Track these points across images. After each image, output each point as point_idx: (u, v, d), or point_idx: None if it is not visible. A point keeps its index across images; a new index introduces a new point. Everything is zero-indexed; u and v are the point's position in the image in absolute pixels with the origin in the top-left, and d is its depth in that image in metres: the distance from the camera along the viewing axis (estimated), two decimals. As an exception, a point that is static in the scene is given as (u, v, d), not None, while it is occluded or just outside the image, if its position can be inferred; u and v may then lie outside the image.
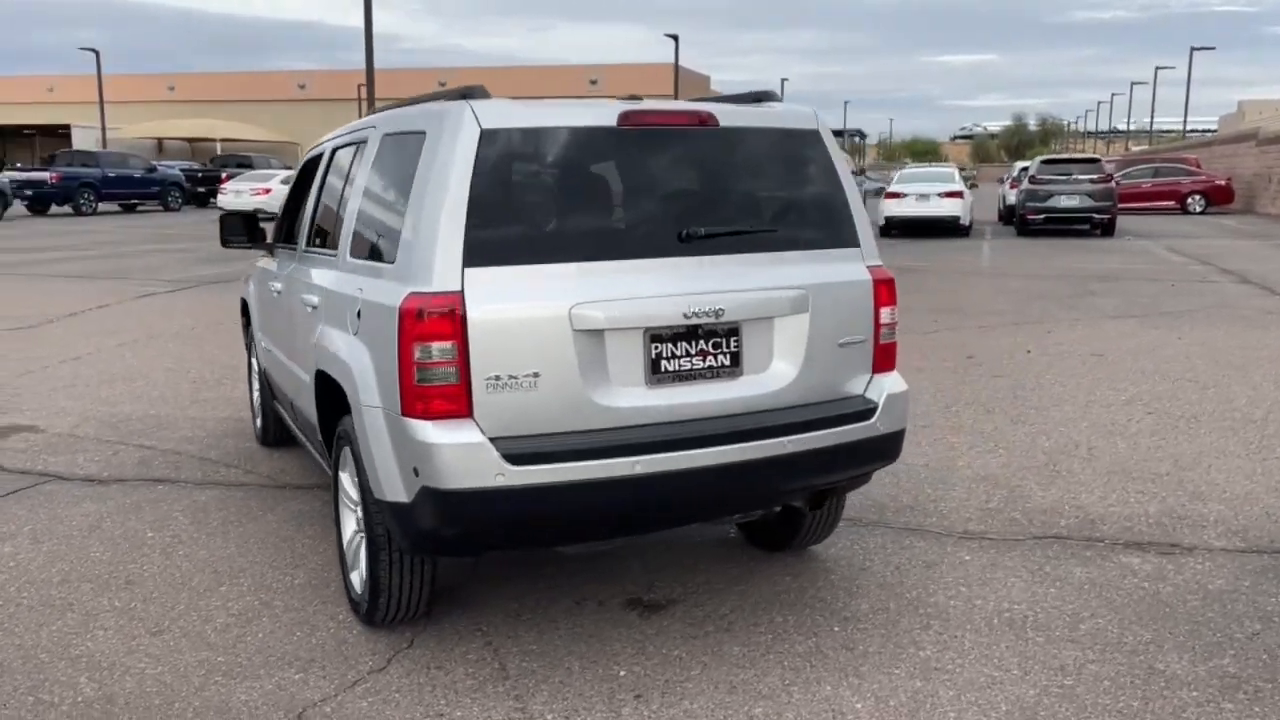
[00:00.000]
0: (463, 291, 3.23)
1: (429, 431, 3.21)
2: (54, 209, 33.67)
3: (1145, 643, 3.77)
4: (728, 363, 3.58)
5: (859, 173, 33.94)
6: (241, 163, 40.79)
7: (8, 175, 32.93)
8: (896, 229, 24.26)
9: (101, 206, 34.17)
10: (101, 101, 48.53)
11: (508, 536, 3.43)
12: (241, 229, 5.78)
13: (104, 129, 49.58)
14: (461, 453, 3.18)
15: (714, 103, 3.83)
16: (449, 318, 3.19)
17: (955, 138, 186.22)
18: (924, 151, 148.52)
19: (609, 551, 4.42)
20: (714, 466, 3.43)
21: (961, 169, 35.98)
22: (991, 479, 5.66)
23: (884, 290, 3.87)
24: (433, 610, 4.01)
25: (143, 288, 14.45)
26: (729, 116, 3.71)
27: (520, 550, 4.17)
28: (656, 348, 3.46)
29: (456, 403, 3.23)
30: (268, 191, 31.25)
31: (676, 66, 51.16)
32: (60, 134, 57.07)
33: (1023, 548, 4.68)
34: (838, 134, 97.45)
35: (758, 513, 3.94)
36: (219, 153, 51.41)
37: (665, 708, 3.33)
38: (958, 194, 23.85)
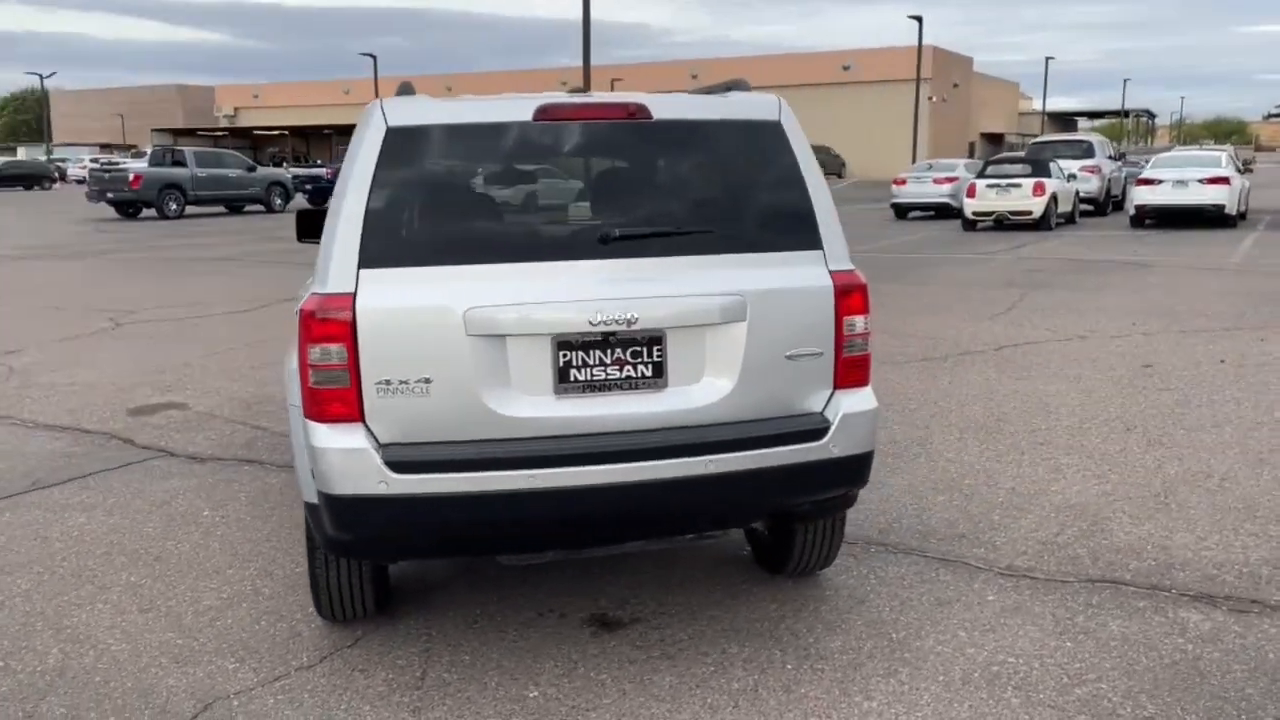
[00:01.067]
0: (355, 293, 3.17)
1: (320, 434, 3.19)
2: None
3: (1143, 718, 3.21)
4: (649, 374, 3.33)
5: (1118, 157, 31.02)
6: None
7: (291, 171, 36.13)
8: (1150, 218, 22.20)
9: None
10: (378, 97, 52.63)
11: (405, 546, 3.35)
12: None
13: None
14: (344, 458, 3.14)
15: (677, 94, 3.57)
16: (340, 320, 3.14)
17: (1270, 115, 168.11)
18: (1229, 132, 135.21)
19: (551, 562, 4.22)
20: (621, 484, 3.21)
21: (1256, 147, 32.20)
22: (1078, 508, 5.03)
23: (850, 298, 3.48)
24: (394, 609, 4.00)
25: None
26: (666, 108, 3.45)
27: (451, 558, 4.04)
28: (565, 355, 3.27)
29: (348, 406, 3.18)
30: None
31: (920, 48, 49.07)
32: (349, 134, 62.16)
33: (1065, 591, 4.11)
34: (1117, 114, 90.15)
35: (709, 534, 3.65)
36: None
37: None
38: (1223, 180, 21.48)
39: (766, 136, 3.50)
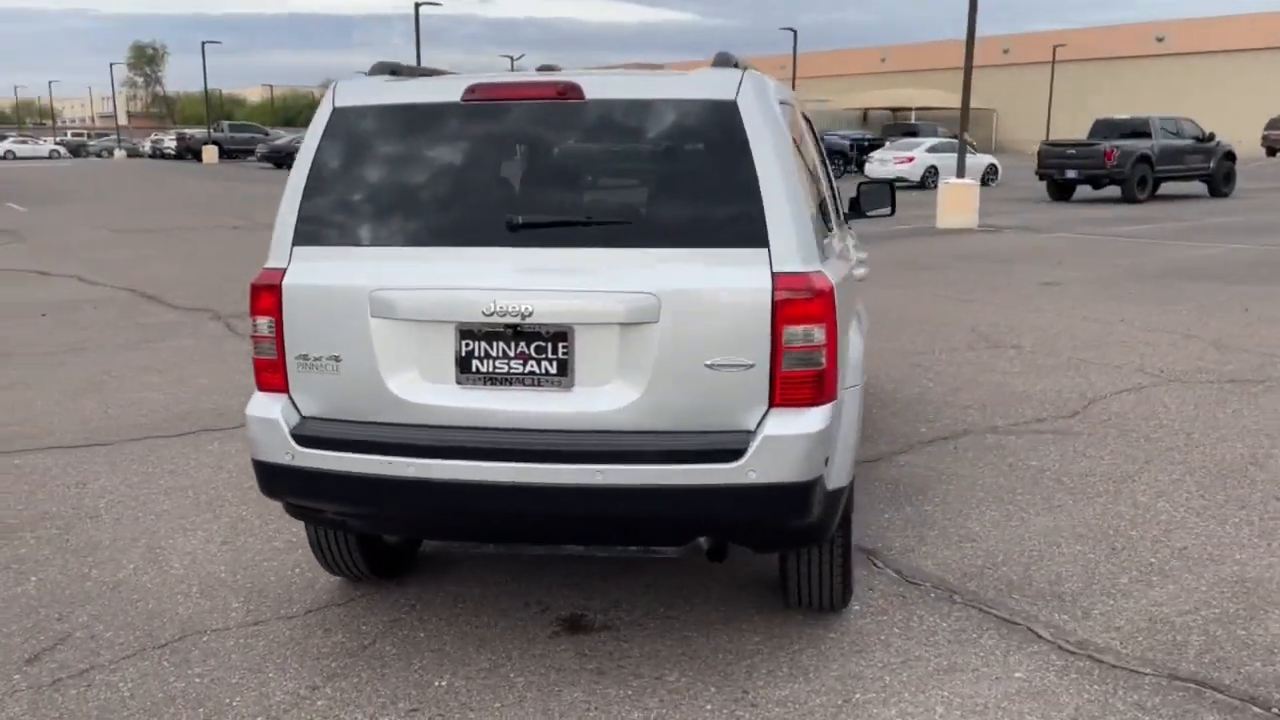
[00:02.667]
0: (285, 269, 3.30)
1: (252, 402, 3.36)
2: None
3: None
4: (553, 371, 3.14)
5: None
6: (908, 131, 41.48)
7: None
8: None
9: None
10: (794, 77, 52.83)
11: (318, 513, 3.43)
12: (885, 198, 5.65)
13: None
14: (261, 427, 3.28)
15: (629, 72, 3.32)
16: (270, 295, 3.29)
17: None
18: None
19: (573, 556, 4.08)
20: (505, 484, 3.07)
21: None
22: (1248, 586, 4.04)
23: (796, 304, 3.04)
24: (411, 577, 4.11)
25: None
26: (602, 87, 3.19)
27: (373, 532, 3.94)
28: (467, 345, 3.17)
29: (277, 378, 3.32)
30: (910, 160, 31.54)
31: None
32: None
33: (1124, 683, 3.36)
34: None
35: (656, 551, 3.38)
36: (912, 121, 52.80)
37: None
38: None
39: (716, 118, 3.13)
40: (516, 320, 3.08)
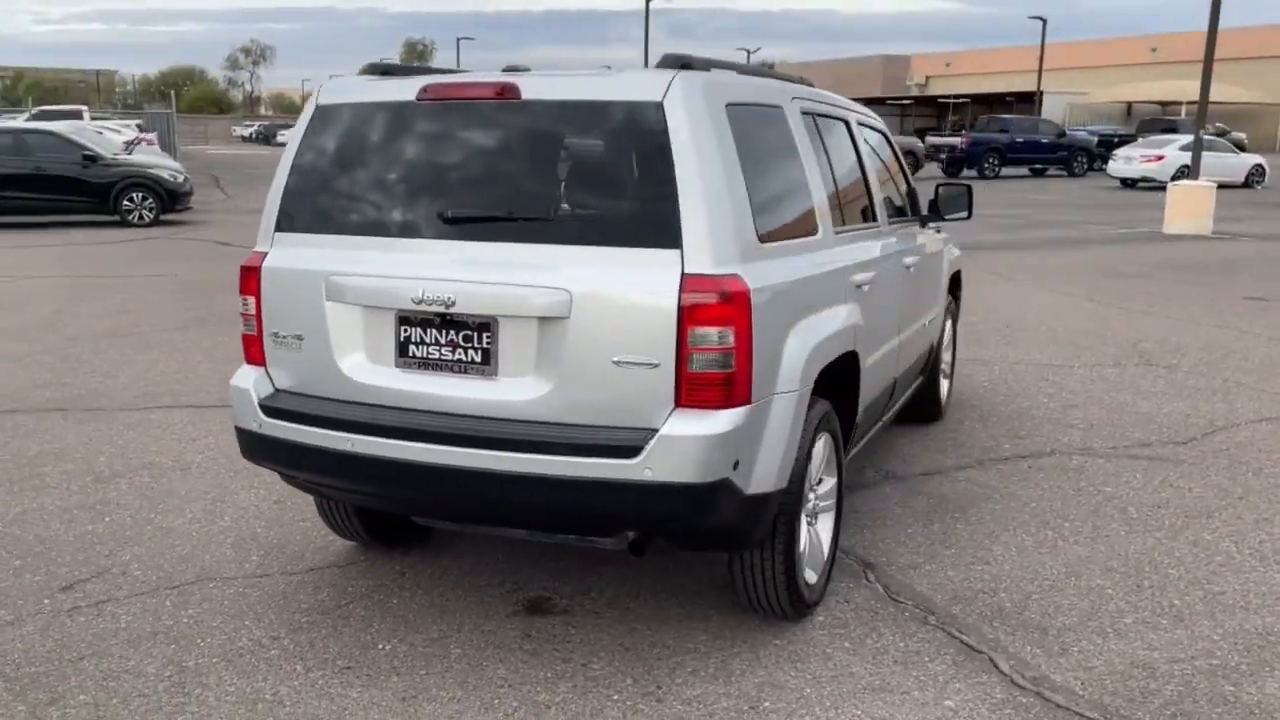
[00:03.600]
0: (266, 254, 3.62)
1: (236, 373, 3.71)
2: (964, 172, 36.11)
3: None
4: (478, 359, 3.29)
5: None
6: (1167, 127, 38.48)
7: (929, 140, 36.34)
8: None
9: (1007, 171, 35.60)
10: (1040, 69, 50.06)
11: (286, 477, 3.72)
12: (963, 202, 5.55)
13: (1037, 96, 51.06)
14: (238, 396, 3.62)
15: (571, 72, 3.41)
16: (253, 275, 3.62)
17: None
18: None
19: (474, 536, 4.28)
20: (427, 464, 3.26)
21: None
22: (1260, 636, 3.70)
23: (705, 307, 3.05)
24: (417, 546, 4.37)
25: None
26: (540, 89, 3.30)
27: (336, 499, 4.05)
28: (406, 330, 3.38)
29: (257, 353, 3.65)
30: (1159, 159, 29.37)
31: None
32: (1031, 101, 60.02)
33: (1056, 725, 3.17)
34: None
35: (592, 540, 3.47)
36: (1182, 116, 49.00)
37: (334, 684, 3.35)
38: None
39: (641, 119, 3.17)
40: (442, 309, 3.25)
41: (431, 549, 4.38)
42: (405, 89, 3.46)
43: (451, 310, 3.24)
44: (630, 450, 3.06)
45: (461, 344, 3.29)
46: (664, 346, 3.06)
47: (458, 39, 58.27)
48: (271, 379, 3.61)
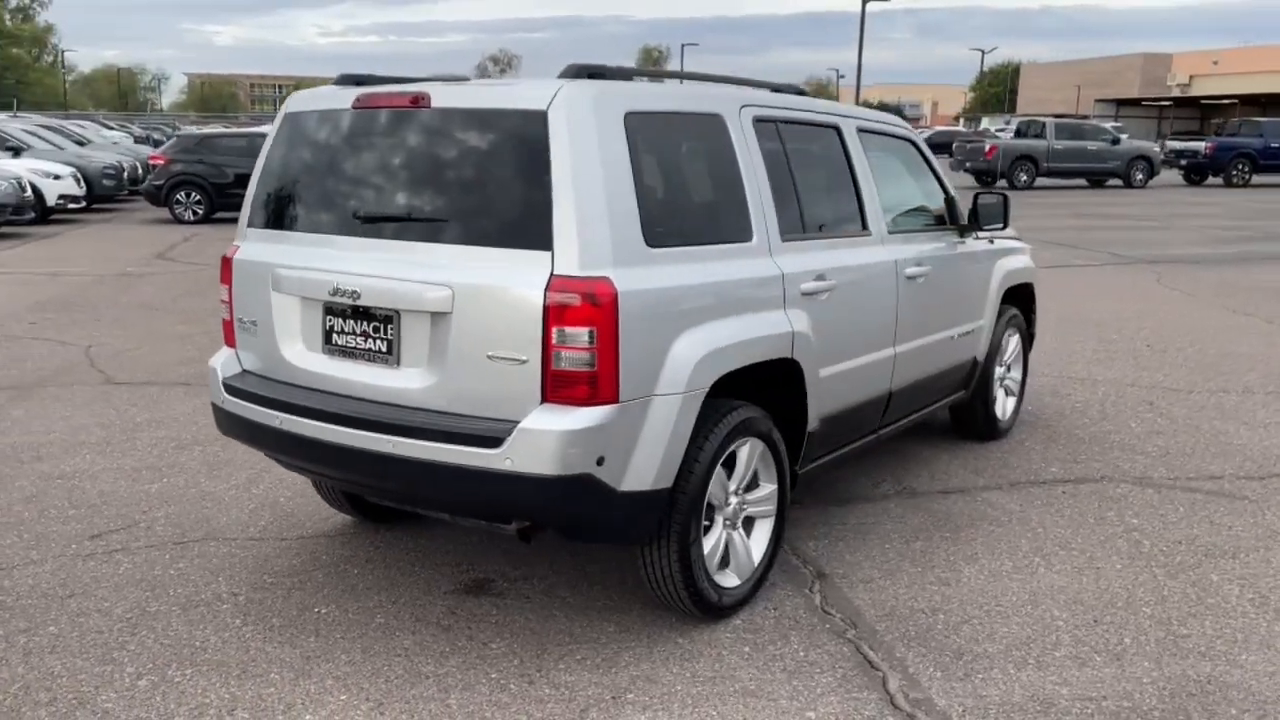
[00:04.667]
0: (239, 247, 4.03)
1: (215, 355, 4.15)
2: (1209, 179, 33.49)
3: None
4: (384, 349, 3.55)
5: None
6: None
7: (1167, 144, 33.89)
8: None
9: (1260, 179, 32.75)
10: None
11: (251, 448, 4.11)
12: (998, 212, 5.37)
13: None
14: (212, 374, 4.05)
15: (479, 82, 3.62)
16: (228, 265, 4.04)
17: None
18: None
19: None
20: (330, 443, 3.56)
21: None
22: (1202, 684, 3.45)
23: (567, 307, 3.19)
24: (407, 523, 4.70)
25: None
26: (448, 97, 3.51)
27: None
28: (330, 320, 3.68)
29: (229, 336, 4.08)
30: None
31: None
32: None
33: (903, 746, 3.12)
34: None
35: (499, 526, 3.66)
36: None
37: (256, 639, 3.70)
38: None
39: (526, 125, 3.33)
40: (350, 301, 3.53)
41: (415, 527, 4.67)
42: (347, 97, 3.77)
43: (359, 302, 3.52)
44: (494, 440, 3.23)
45: (372, 334, 3.56)
46: (532, 344, 3.21)
47: (682, 45, 59.05)
48: (240, 360, 4.00)
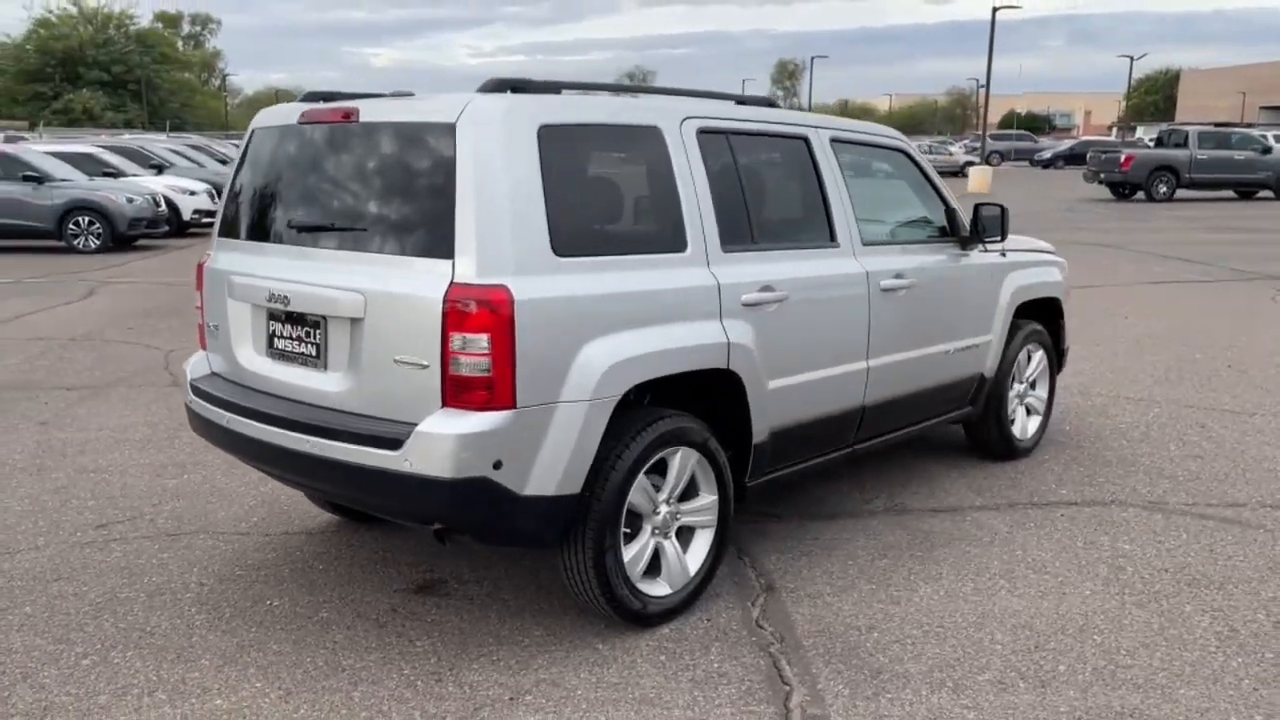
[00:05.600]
0: (209, 255, 4.28)
1: (191, 356, 4.40)
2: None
3: None
4: (313, 353, 3.71)
5: None
6: None
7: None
8: None
9: None
10: None
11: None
12: (996, 223, 5.25)
13: None
14: (185, 377, 4.31)
15: (406, 97, 3.76)
16: (200, 273, 4.29)
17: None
18: None
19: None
20: (264, 442, 3.74)
21: None
22: (1126, 717, 3.31)
23: (463, 314, 3.28)
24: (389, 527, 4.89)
25: None
26: (372, 111, 3.65)
27: None
28: (271, 325, 3.87)
29: (201, 339, 4.33)
30: None
31: None
32: None
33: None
34: None
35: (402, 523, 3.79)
36: None
37: (202, 627, 3.90)
38: None
39: (436, 139, 3.44)
40: (282, 307, 3.71)
41: (390, 528, 4.83)
42: (290, 113, 3.96)
43: (290, 308, 3.69)
44: (395, 443, 3.35)
45: (304, 339, 3.73)
46: (432, 349, 3.32)
47: (811, 58, 58.60)
48: (209, 363, 4.23)
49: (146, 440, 6.33)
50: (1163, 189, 28.88)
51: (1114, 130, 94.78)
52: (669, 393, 3.85)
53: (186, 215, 20.02)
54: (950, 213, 5.26)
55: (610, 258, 3.62)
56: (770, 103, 4.59)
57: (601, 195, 3.79)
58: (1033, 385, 6.03)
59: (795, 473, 4.49)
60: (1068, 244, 17.46)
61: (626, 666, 3.60)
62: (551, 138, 3.52)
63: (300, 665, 3.61)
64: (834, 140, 4.64)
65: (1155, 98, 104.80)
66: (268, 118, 4.13)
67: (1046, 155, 55.54)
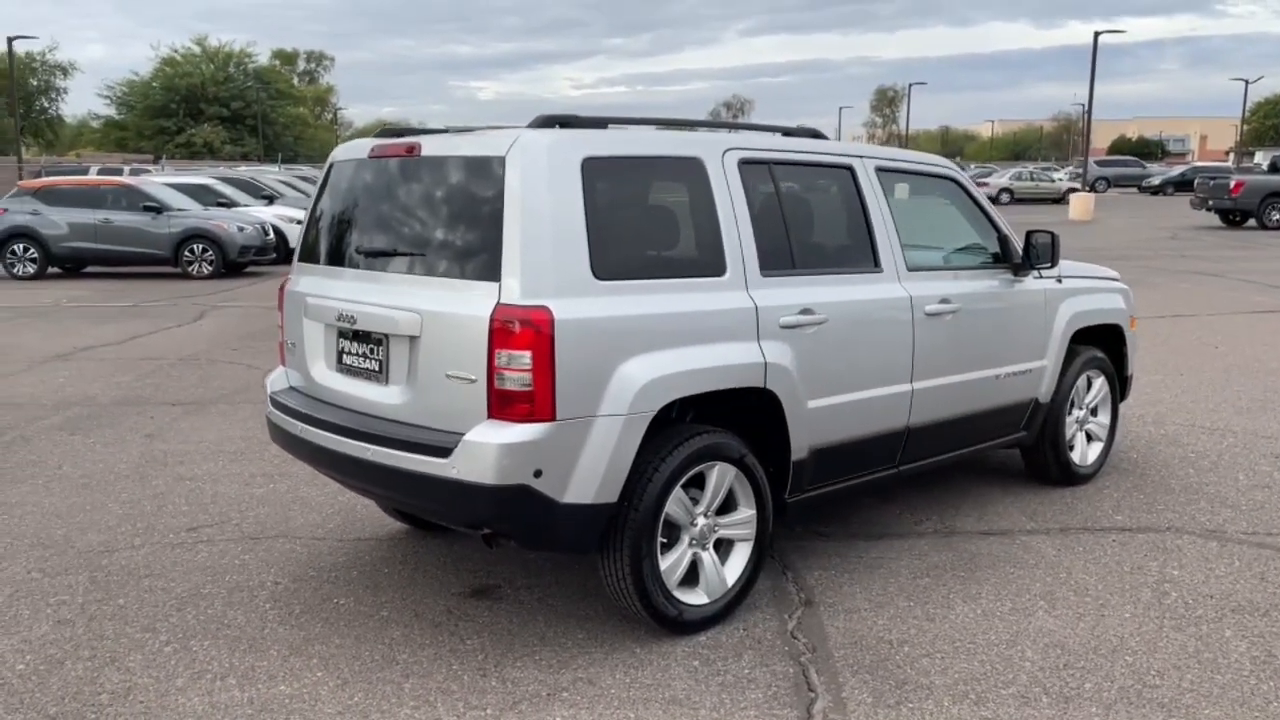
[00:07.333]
0: (290, 278, 4.64)
1: (271, 371, 4.77)
2: None
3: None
4: (376, 368, 4.02)
5: None
6: None
7: None
8: None
9: None
10: None
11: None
12: (1047, 251, 5.30)
13: None
14: (267, 390, 4.67)
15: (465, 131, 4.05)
16: (281, 294, 4.66)
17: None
18: None
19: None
20: (332, 450, 4.06)
21: None
22: (1122, 731, 3.38)
23: (512, 333, 3.54)
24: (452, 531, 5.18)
25: None
26: (434, 146, 3.95)
27: None
28: (341, 342, 4.20)
29: (281, 356, 4.69)
30: None
31: None
32: None
33: None
34: None
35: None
36: None
37: (275, 622, 4.21)
38: None
39: (487, 170, 3.71)
40: (349, 325, 4.03)
41: (452, 537, 5.10)
42: (362, 148, 4.29)
43: (356, 326, 4.00)
44: (444, 451, 3.61)
45: (369, 355, 4.03)
46: (479, 364, 3.58)
47: (909, 85, 58.26)
48: (287, 378, 4.58)
49: (240, 452, 6.75)
50: (1275, 216, 27.92)
51: (1230, 156, 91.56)
52: (710, 410, 4.05)
53: (293, 243, 20.80)
54: (1003, 239, 5.34)
55: (650, 281, 3.84)
56: (815, 134, 4.77)
57: (643, 222, 4.01)
58: (1094, 412, 6.04)
59: (839, 491, 4.62)
60: (1168, 272, 17.11)
61: (660, 669, 3.78)
62: (595, 169, 3.76)
63: (359, 658, 3.88)
64: (880, 169, 4.79)
65: (1276, 121, 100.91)
66: (344, 152, 4.47)
67: (1155, 181, 53.97)
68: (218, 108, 65.49)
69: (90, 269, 18.39)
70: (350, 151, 4.43)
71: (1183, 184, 50.87)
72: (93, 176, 23.79)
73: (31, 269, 17.67)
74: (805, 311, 4.24)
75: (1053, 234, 5.28)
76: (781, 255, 4.27)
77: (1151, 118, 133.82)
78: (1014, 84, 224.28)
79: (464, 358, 3.63)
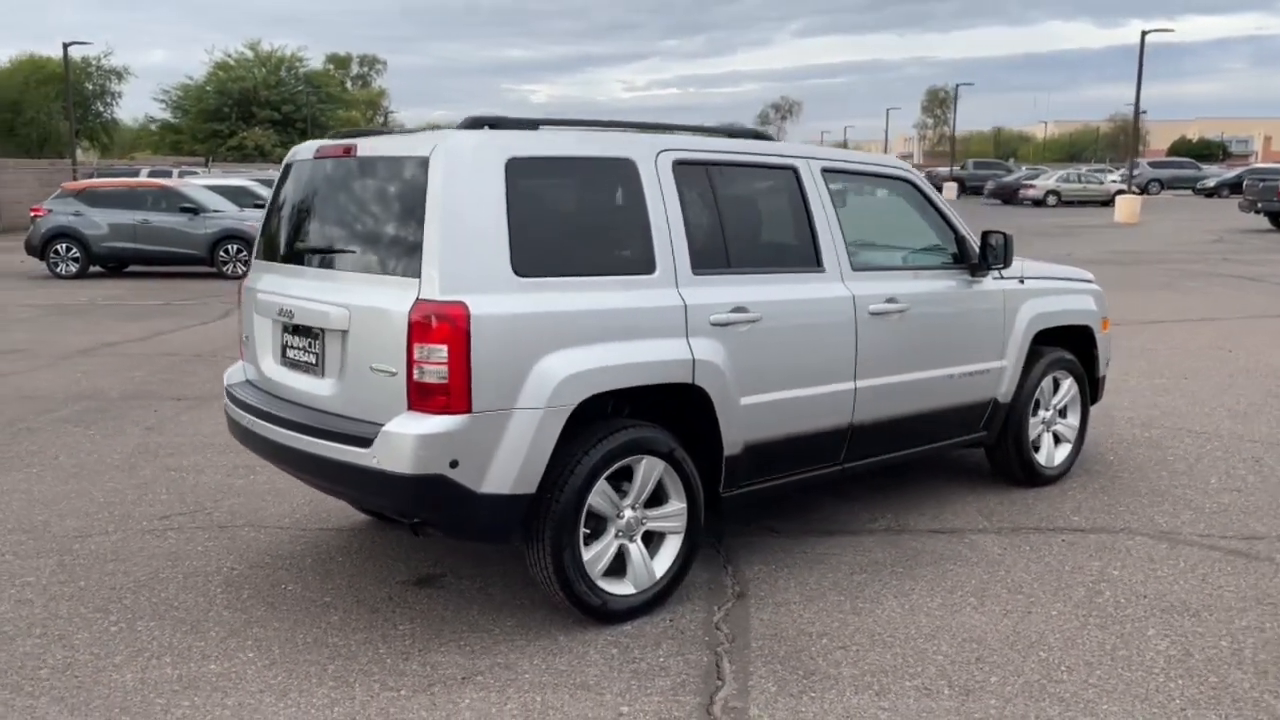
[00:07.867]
0: (247, 275, 4.82)
1: (231, 366, 4.95)
2: None
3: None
4: (313, 361, 4.17)
5: None
6: None
7: None
8: None
9: None
10: None
11: None
12: (1001, 251, 5.31)
13: None
14: (224, 384, 4.85)
15: (400, 133, 4.19)
16: (238, 292, 4.84)
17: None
18: None
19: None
20: (274, 441, 4.22)
21: None
22: (1014, 723, 3.42)
23: (423, 327, 3.66)
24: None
25: None
26: (369, 148, 4.09)
27: None
28: (285, 336, 4.36)
29: (240, 350, 4.87)
30: None
31: None
32: None
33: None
34: None
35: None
36: None
37: (221, 606, 4.39)
38: None
39: (413, 170, 3.85)
40: (289, 320, 4.18)
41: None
42: (310, 149, 4.45)
43: (295, 321, 4.16)
44: (366, 441, 3.75)
45: (307, 349, 4.19)
46: (400, 358, 3.72)
47: (956, 85, 57.71)
48: (244, 372, 4.76)
49: (229, 445, 6.91)
50: (1325, 218, 27.29)
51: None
52: (644, 405, 4.14)
53: (328, 244, 21.24)
54: (960, 240, 5.37)
55: (575, 278, 3.94)
56: (760, 135, 4.85)
57: (570, 221, 4.12)
58: (1062, 413, 6.03)
59: (780, 486, 4.68)
60: (1205, 276, 16.86)
61: (578, 656, 3.89)
62: (520, 169, 3.88)
63: (292, 640, 4.03)
64: (826, 170, 4.85)
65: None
66: (296, 153, 4.63)
67: (1210, 183, 52.86)
68: (269, 111, 66.61)
69: (131, 269, 18.88)
70: (303, 152, 4.59)
71: (1238, 186, 49.75)
72: (137, 178, 24.36)
73: (74, 268, 18.18)
74: (738, 310, 4.32)
75: (1006, 234, 5.30)
76: (716, 254, 4.35)
77: (1214, 118, 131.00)
78: (1072, 84, 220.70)
79: (386, 351, 3.76)
